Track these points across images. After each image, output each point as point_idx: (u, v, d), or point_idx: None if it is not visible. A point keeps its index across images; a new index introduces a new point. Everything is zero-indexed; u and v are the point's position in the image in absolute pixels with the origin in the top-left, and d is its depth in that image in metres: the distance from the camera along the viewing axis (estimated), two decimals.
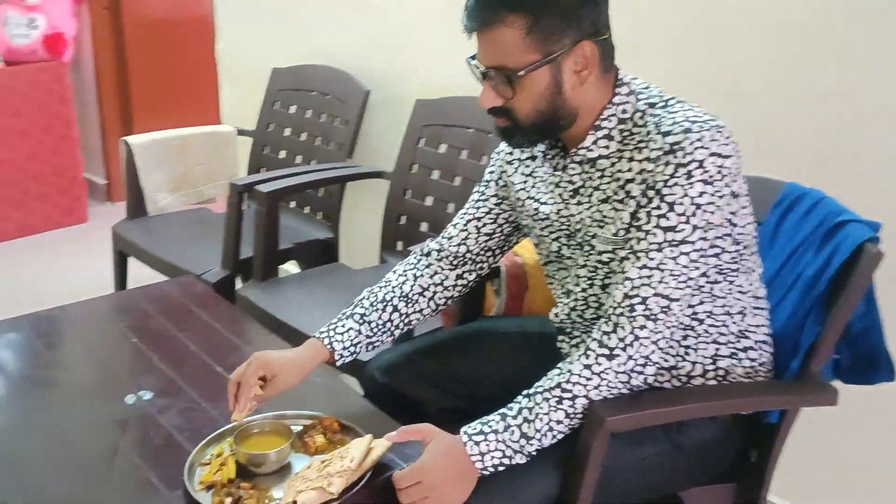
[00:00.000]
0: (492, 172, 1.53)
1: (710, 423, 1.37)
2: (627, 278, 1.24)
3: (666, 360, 1.33)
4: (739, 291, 1.34)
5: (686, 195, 1.21)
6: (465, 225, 1.54)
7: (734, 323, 1.35)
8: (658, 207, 1.22)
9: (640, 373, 1.24)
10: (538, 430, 1.23)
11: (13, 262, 3.58)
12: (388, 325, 1.52)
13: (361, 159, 2.58)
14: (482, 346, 1.61)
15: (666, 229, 1.22)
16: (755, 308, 1.37)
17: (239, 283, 2.35)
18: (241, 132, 2.86)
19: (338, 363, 1.48)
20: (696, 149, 1.20)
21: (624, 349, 1.23)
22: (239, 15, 3.12)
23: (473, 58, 1.30)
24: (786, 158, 1.79)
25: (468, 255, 1.54)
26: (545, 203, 1.41)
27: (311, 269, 2.36)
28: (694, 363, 1.35)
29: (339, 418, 1.45)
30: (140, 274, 2.54)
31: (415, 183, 2.35)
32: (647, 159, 1.25)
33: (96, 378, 1.66)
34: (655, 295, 1.22)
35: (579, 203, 1.35)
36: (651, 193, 1.24)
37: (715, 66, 1.86)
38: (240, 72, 3.15)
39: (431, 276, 1.54)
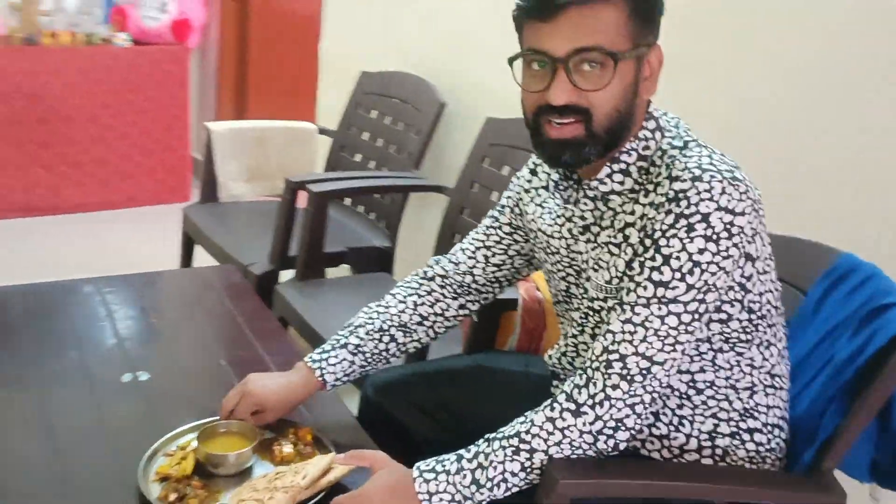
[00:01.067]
0: (508, 198, 1.44)
1: None
2: (610, 331, 1.13)
3: (657, 428, 1.21)
4: (750, 365, 1.20)
5: (684, 249, 1.09)
6: (474, 252, 1.46)
7: (739, 399, 1.20)
8: (653, 258, 1.11)
9: (610, 436, 1.12)
10: (490, 479, 1.14)
11: (112, 229, 3.77)
12: (384, 353, 1.46)
13: (428, 171, 2.54)
14: (481, 382, 1.53)
15: (658, 284, 1.10)
16: (769, 386, 1.22)
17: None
18: (322, 131, 2.88)
19: (328, 388, 1.44)
20: (701, 200, 1.08)
21: (592, 407, 1.12)
22: (343, 15, 3.15)
23: (534, 51, 1.15)
24: (848, 224, 1.60)
25: (473, 286, 1.46)
26: (554, 237, 1.31)
27: (355, 276, 2.33)
28: (688, 436, 1.21)
29: (315, 430, 1.40)
30: (208, 258, 2.60)
31: (473, 202, 2.28)
32: (652, 204, 1.14)
33: (104, 350, 1.68)
34: (635, 354, 1.11)
35: (588, 241, 1.25)
36: (648, 242, 1.12)
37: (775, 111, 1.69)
38: (337, 72, 3.19)
39: (432, 306, 1.47)
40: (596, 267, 1.22)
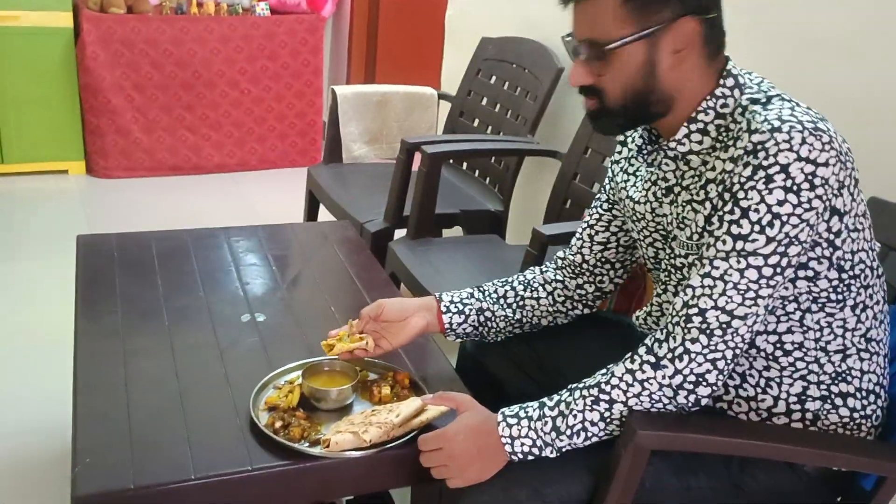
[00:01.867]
0: (607, 176, 1.46)
1: (788, 470, 1.21)
2: (689, 286, 1.14)
3: (744, 389, 1.20)
4: (842, 327, 1.17)
5: (763, 201, 1.07)
6: (582, 233, 1.50)
7: (830, 362, 1.18)
8: (731, 212, 1.10)
9: (690, 391, 1.13)
10: (570, 427, 1.17)
11: (248, 189, 4.00)
12: (502, 300, 1.51)
13: (543, 137, 2.55)
14: (578, 340, 1.55)
15: (736, 237, 1.09)
16: (863, 350, 1.19)
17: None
18: (442, 96, 2.94)
19: (444, 316, 1.48)
20: (780, 150, 1.06)
21: (672, 360, 1.13)
22: None
23: (570, 35, 1.23)
24: None
25: (584, 266, 1.49)
26: (640, 202, 1.32)
27: (466, 237, 2.38)
28: (776, 398, 1.20)
29: (413, 375, 1.47)
30: (329, 216, 2.73)
31: (586, 167, 2.29)
32: (731, 159, 1.12)
33: (227, 293, 1.82)
34: (715, 308, 1.11)
35: (672, 202, 1.25)
36: (727, 196, 1.12)
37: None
38: (461, 39, 3.23)
39: (554, 274, 1.52)
40: (681, 226, 1.22)
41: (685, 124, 1.19)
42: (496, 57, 2.79)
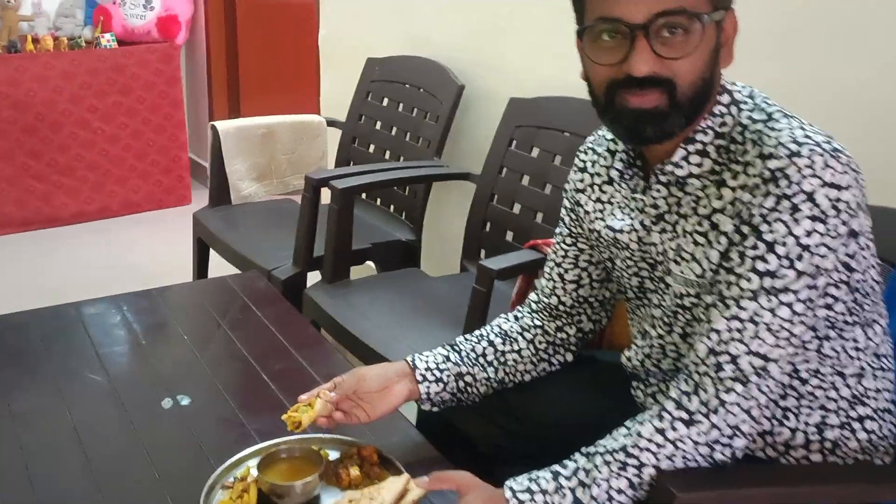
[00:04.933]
0: (564, 208, 1.35)
1: None
2: (714, 330, 1.03)
3: (760, 425, 1.11)
4: (855, 348, 1.10)
5: (790, 234, 0.99)
6: (551, 272, 1.37)
7: (847, 386, 1.11)
8: (755, 247, 1.01)
9: (726, 445, 1.02)
10: (594, 498, 1.04)
11: (114, 238, 3.63)
12: (481, 359, 1.35)
13: (450, 158, 2.42)
14: (545, 380, 1.42)
15: (763, 274, 1.00)
16: (877, 369, 1.12)
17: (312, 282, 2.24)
18: (331, 123, 2.76)
19: (420, 385, 1.31)
20: (804, 177, 0.98)
21: (707, 415, 1.02)
22: (342, 1, 3.02)
23: (605, 20, 1.02)
24: None
25: (562, 308, 1.36)
26: (623, 231, 1.21)
27: (386, 273, 2.22)
28: (794, 430, 1.11)
29: (380, 449, 1.30)
30: (222, 263, 2.48)
31: (503, 188, 2.18)
32: (743, 187, 1.03)
33: (137, 374, 1.57)
34: (748, 353, 1.01)
35: (663, 231, 1.15)
36: (746, 229, 1.02)
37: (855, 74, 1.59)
38: (339, 61, 3.06)
39: (531, 320, 1.38)
40: (678, 259, 1.12)
41: (682, 145, 1.09)
42: (386, 78, 2.63)
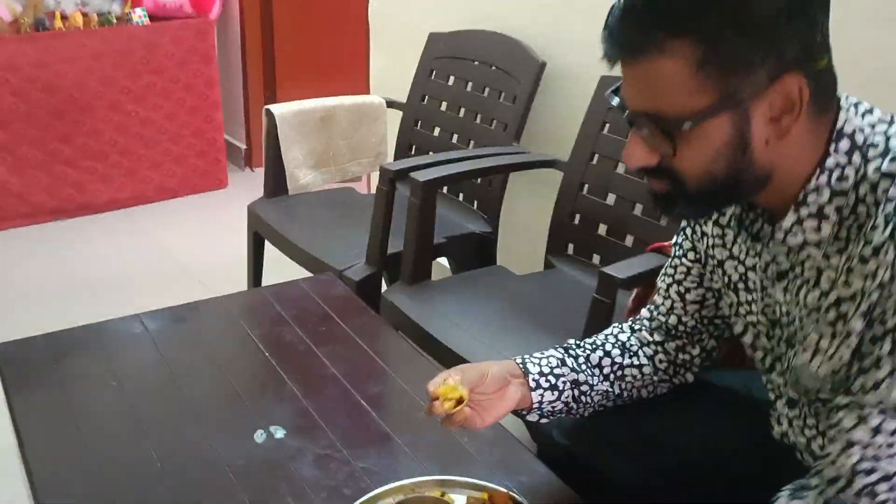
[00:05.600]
0: (687, 222, 1.16)
1: None
2: (855, 442, 0.84)
3: None
4: None
5: None
6: (667, 290, 1.18)
7: None
8: (894, 357, 0.81)
9: None
10: None
11: (151, 227, 3.46)
12: (597, 369, 1.18)
13: (529, 143, 2.22)
14: (672, 403, 1.23)
15: None
16: None
17: (384, 283, 2.06)
18: (390, 104, 2.56)
19: (534, 393, 1.14)
20: None
21: None
22: None
23: (617, 91, 0.90)
24: None
25: (681, 329, 1.18)
26: (742, 279, 1.03)
27: (468, 273, 2.03)
28: None
29: (514, 493, 1.12)
30: (277, 258, 2.30)
31: (595, 176, 1.98)
32: (874, 278, 0.82)
33: (221, 399, 1.40)
34: (886, 479, 0.82)
35: (786, 290, 0.96)
36: (878, 331, 0.82)
37: None
38: (392, 37, 2.85)
39: (651, 334, 1.20)
40: (804, 340, 0.93)
41: (793, 209, 0.89)
42: (452, 55, 2.42)
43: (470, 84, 2.36)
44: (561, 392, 1.16)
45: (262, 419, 1.32)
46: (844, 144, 0.87)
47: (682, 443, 1.19)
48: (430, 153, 2.42)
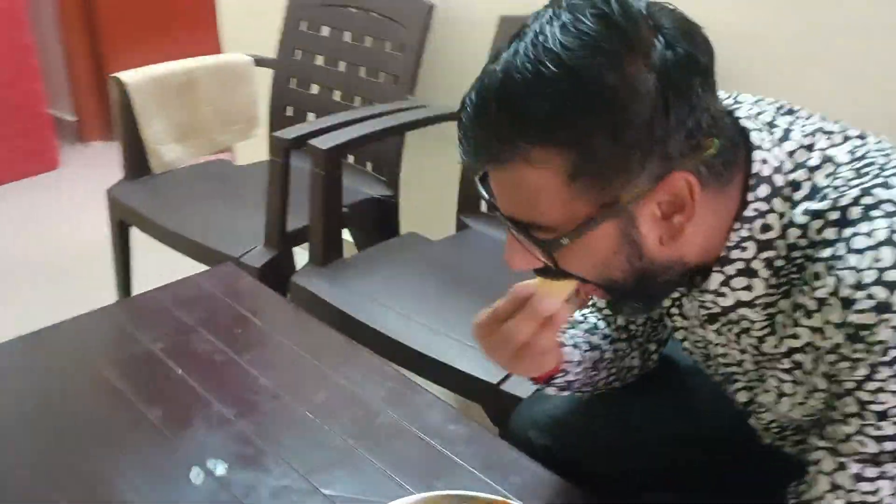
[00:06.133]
0: None
1: None
2: (839, 486, 0.77)
3: None
4: None
5: None
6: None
7: None
8: (860, 416, 0.73)
9: None
10: None
11: None
12: (607, 330, 1.05)
13: (425, 96, 2.04)
14: (662, 395, 1.13)
15: (880, 439, 0.73)
16: None
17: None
18: (258, 62, 2.28)
19: (564, 349, 0.99)
20: None
21: None
22: None
23: (485, 179, 0.78)
24: None
25: (632, 328, 1.06)
26: (675, 305, 0.94)
27: (381, 245, 1.84)
28: None
29: (511, 500, 0.99)
30: (142, 243, 2.01)
31: None
32: (820, 333, 0.74)
33: (135, 441, 1.16)
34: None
35: (719, 332, 0.87)
36: (839, 390, 0.74)
37: None
38: None
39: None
40: (763, 382, 0.86)
41: (716, 268, 0.79)
42: (321, 1, 2.18)
43: (348, 34, 2.14)
44: (583, 351, 1.02)
45: (194, 454, 1.09)
46: (763, 191, 0.75)
47: (661, 434, 1.10)
48: (312, 114, 2.19)
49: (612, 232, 0.73)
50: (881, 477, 0.75)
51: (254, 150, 2.37)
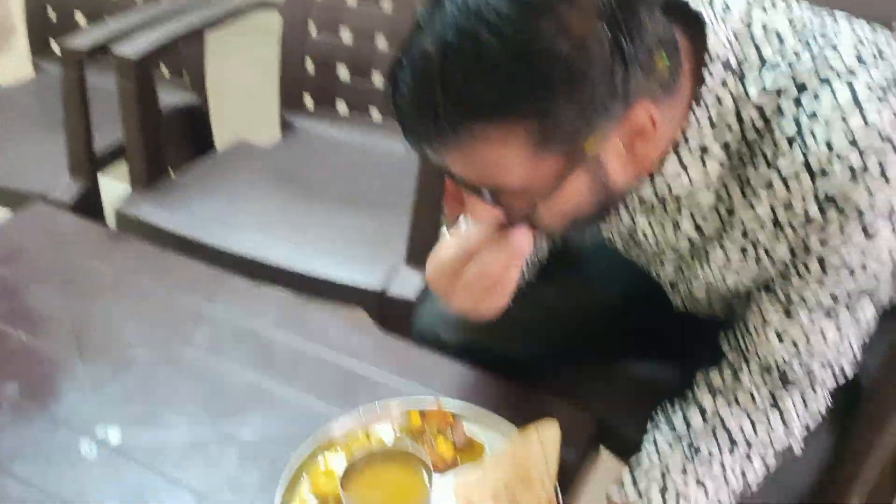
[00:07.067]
0: None
1: None
2: (794, 342, 0.82)
3: None
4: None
5: (866, 257, 0.75)
6: None
7: None
8: (820, 282, 0.77)
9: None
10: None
11: None
12: None
13: None
14: (583, 265, 1.13)
15: (837, 297, 0.78)
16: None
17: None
18: None
19: None
20: (877, 198, 0.70)
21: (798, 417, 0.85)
22: None
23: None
24: None
25: None
26: None
27: (209, 160, 1.65)
28: None
29: (439, 401, 0.97)
30: None
31: (320, 10, 1.69)
32: (784, 205, 0.74)
33: (6, 423, 0.98)
34: (839, 355, 0.83)
35: (653, 220, 0.88)
36: (802, 254, 0.76)
37: None
38: None
39: None
40: (706, 260, 0.87)
41: (672, 152, 0.76)
42: None
43: None
44: None
45: (77, 425, 0.95)
46: (718, 69, 0.73)
47: (575, 312, 1.10)
48: (80, 15, 1.90)
49: (582, 179, 0.71)
50: (830, 325, 0.79)
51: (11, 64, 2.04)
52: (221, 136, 1.87)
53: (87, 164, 1.49)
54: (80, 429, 0.95)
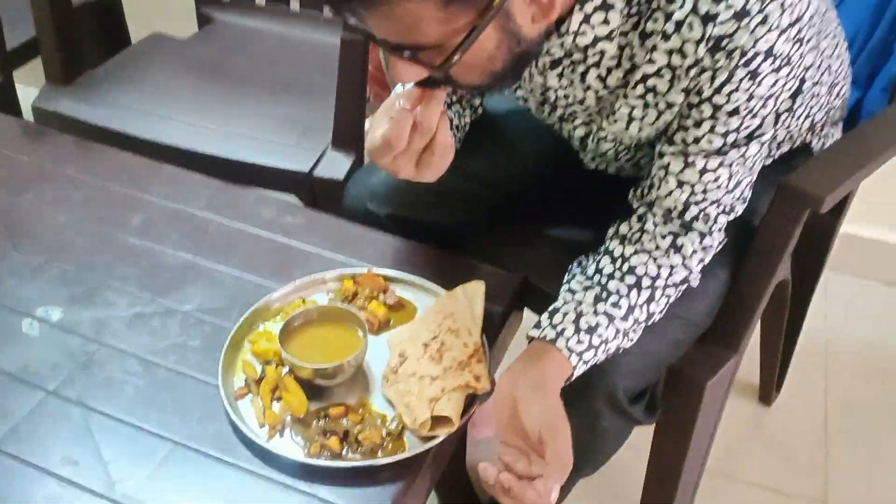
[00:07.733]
0: None
1: None
2: (686, 183, 0.89)
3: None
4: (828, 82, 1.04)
5: (752, 95, 0.82)
6: None
7: (828, 99, 1.07)
8: (713, 117, 0.84)
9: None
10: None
11: None
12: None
13: None
14: (501, 131, 1.17)
15: (727, 134, 0.85)
16: (841, 65, 1.07)
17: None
18: None
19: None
20: (758, 39, 0.77)
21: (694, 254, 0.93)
22: None
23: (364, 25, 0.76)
24: None
25: None
26: None
27: (125, 53, 1.63)
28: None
29: (371, 267, 1.02)
30: None
31: None
32: (679, 53, 0.81)
33: None
34: (729, 194, 0.91)
35: (561, 76, 0.93)
36: (695, 99, 0.84)
37: None
38: None
39: None
40: (613, 114, 0.93)
41: (577, 7, 0.81)
42: None
43: None
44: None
45: (18, 306, 0.97)
46: None
47: (497, 176, 1.15)
48: None
49: (494, 33, 0.75)
50: (721, 165, 0.87)
51: None
52: (137, 32, 1.82)
53: (0, 60, 1.45)
54: (21, 311, 0.97)
